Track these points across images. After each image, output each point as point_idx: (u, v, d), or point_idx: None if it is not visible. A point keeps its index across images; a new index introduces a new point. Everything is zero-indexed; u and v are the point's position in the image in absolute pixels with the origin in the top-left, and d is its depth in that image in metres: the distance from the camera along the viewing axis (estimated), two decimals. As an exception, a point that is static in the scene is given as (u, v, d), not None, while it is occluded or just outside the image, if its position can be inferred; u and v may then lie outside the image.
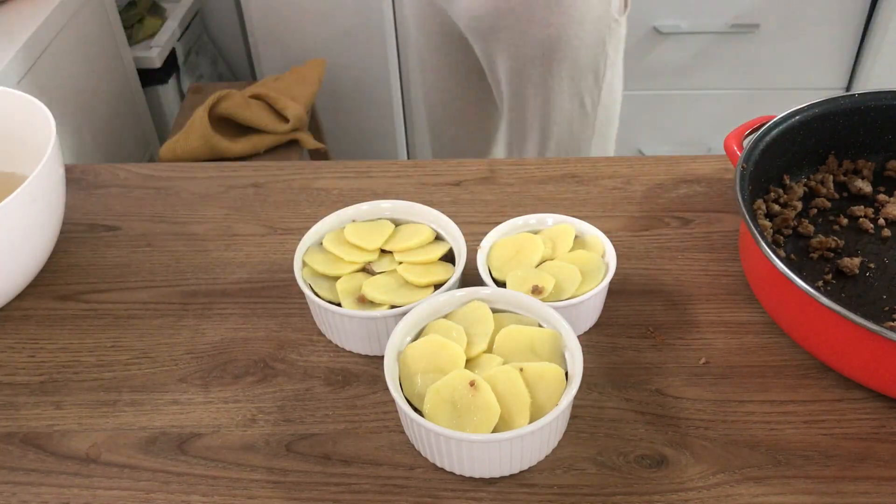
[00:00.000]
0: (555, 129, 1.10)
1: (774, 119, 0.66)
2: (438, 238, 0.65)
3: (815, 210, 0.69)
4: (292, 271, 0.66)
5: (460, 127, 1.28)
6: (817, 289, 0.53)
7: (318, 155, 1.60)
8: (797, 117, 0.67)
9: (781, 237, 0.67)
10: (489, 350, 0.55)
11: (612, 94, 1.11)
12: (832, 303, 0.51)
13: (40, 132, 0.67)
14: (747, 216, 0.57)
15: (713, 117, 1.76)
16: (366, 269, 0.63)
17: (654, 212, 0.73)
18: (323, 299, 0.60)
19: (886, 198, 0.70)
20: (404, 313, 0.57)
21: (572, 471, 0.53)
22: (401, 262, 0.62)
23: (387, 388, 0.57)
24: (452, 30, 1.13)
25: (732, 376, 0.59)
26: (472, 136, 1.29)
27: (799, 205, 0.69)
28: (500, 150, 1.34)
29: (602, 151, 1.16)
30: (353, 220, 0.66)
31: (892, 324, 0.59)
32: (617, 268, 0.62)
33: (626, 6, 1.06)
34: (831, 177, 0.71)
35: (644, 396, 0.57)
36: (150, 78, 1.68)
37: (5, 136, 0.71)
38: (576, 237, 0.64)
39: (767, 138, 0.65)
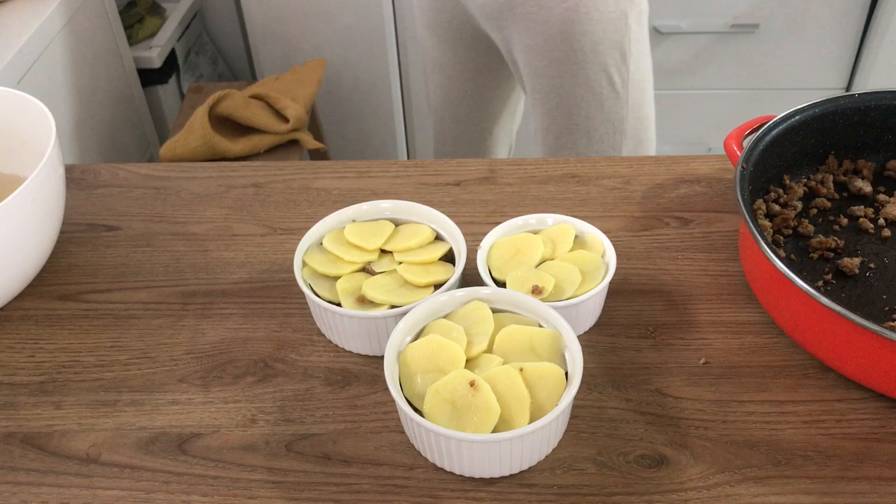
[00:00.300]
0: (584, 109, 1.08)
1: (774, 119, 0.66)
2: (438, 238, 0.65)
3: (815, 210, 0.69)
4: (292, 271, 0.66)
5: (465, 126, 1.28)
6: (817, 289, 0.53)
7: (318, 155, 1.60)
8: (797, 117, 0.67)
9: (781, 237, 0.67)
10: (489, 350, 0.55)
11: (641, 72, 1.09)
12: (832, 303, 0.51)
13: (40, 132, 0.67)
14: (747, 216, 0.57)
15: (713, 117, 1.76)
16: (366, 269, 0.63)
17: (654, 212, 0.73)
18: (323, 299, 0.60)
19: (886, 198, 0.70)
20: (404, 313, 0.57)
21: (572, 471, 0.53)
22: (401, 262, 0.62)
23: (387, 388, 0.57)
24: (464, 26, 1.12)
25: (732, 376, 0.59)
26: (475, 135, 1.29)
27: (799, 205, 0.69)
28: (502, 150, 1.34)
29: (641, 134, 1.14)
30: (353, 220, 0.66)
31: (892, 324, 0.59)
32: (617, 268, 0.62)
33: None
34: (831, 177, 0.71)
35: (644, 396, 0.57)
36: (150, 78, 1.68)
37: (5, 136, 0.71)
38: (576, 237, 0.64)
39: (767, 138, 0.65)
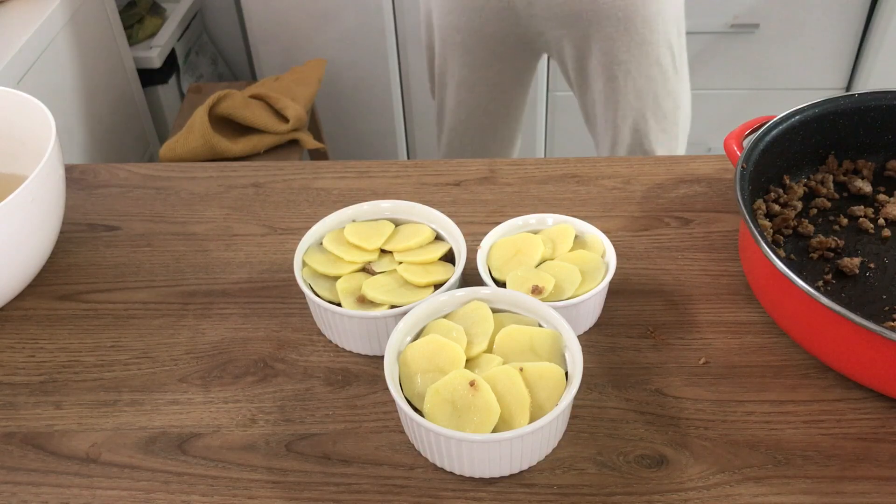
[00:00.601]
0: (653, 88, 1.11)
1: (774, 119, 0.66)
2: (438, 238, 0.65)
3: (815, 210, 0.69)
4: (292, 271, 0.66)
5: (484, 137, 1.28)
6: (817, 289, 0.53)
7: (318, 155, 1.60)
8: (797, 117, 0.67)
9: (781, 237, 0.67)
10: (489, 350, 0.55)
11: (685, 45, 1.13)
12: (832, 303, 0.51)
13: (40, 132, 0.67)
14: (747, 216, 0.57)
15: (713, 117, 1.76)
16: (366, 269, 0.63)
17: (654, 212, 0.73)
18: (323, 299, 0.60)
19: (886, 198, 0.70)
20: (404, 313, 0.57)
21: (572, 471, 0.53)
22: (401, 262, 0.62)
23: (387, 388, 0.57)
24: (508, 38, 1.13)
25: (732, 376, 0.59)
26: (490, 147, 1.30)
27: (799, 205, 0.69)
28: (516, 151, 1.35)
29: (689, 108, 1.18)
30: (353, 220, 0.66)
31: (892, 324, 0.59)
32: (617, 268, 0.62)
33: None
34: (831, 177, 0.71)
35: (644, 396, 0.57)
36: (150, 78, 1.68)
37: (5, 136, 0.71)
38: (576, 237, 0.64)
39: (767, 138, 0.65)
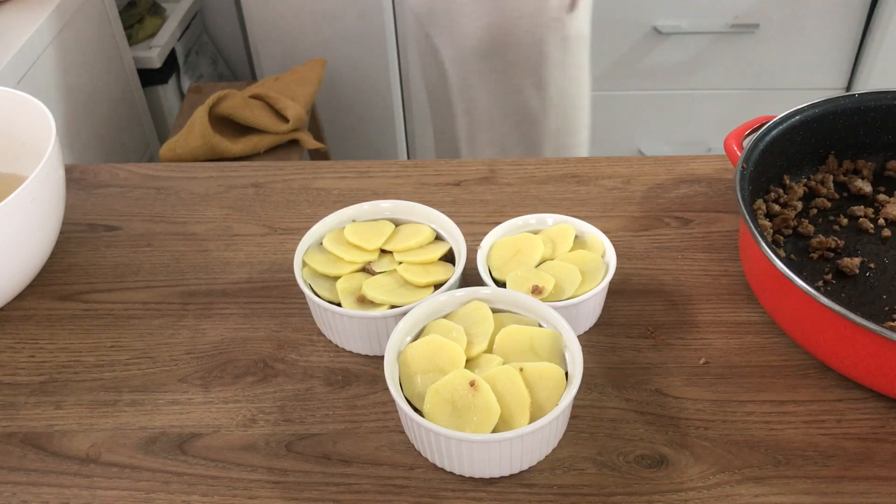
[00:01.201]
0: (507, 125, 1.08)
1: (774, 119, 0.66)
2: (438, 238, 0.65)
3: (815, 210, 0.69)
4: (292, 271, 0.66)
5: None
6: (817, 289, 0.53)
7: (318, 155, 1.60)
8: (797, 117, 0.67)
9: (781, 237, 0.67)
10: (489, 350, 0.55)
11: (566, 99, 1.06)
12: (832, 303, 0.51)
13: (40, 132, 0.67)
14: (747, 216, 0.57)
15: (713, 117, 1.76)
16: (366, 269, 0.63)
17: (654, 212, 0.73)
18: (323, 299, 0.60)
19: (886, 198, 0.70)
20: (404, 313, 0.57)
21: (572, 471, 0.53)
22: (401, 262, 0.62)
23: (387, 388, 0.57)
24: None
25: (732, 376, 0.59)
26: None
27: (799, 205, 0.69)
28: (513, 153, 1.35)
29: (565, 154, 1.12)
30: (353, 220, 0.66)
31: (892, 324, 0.59)
32: (617, 268, 0.62)
33: (574, 5, 0.98)
34: (831, 177, 0.71)
35: (644, 396, 0.57)
36: (150, 78, 1.68)
37: (5, 136, 0.71)
38: (576, 237, 0.64)
39: (767, 138, 0.65)
